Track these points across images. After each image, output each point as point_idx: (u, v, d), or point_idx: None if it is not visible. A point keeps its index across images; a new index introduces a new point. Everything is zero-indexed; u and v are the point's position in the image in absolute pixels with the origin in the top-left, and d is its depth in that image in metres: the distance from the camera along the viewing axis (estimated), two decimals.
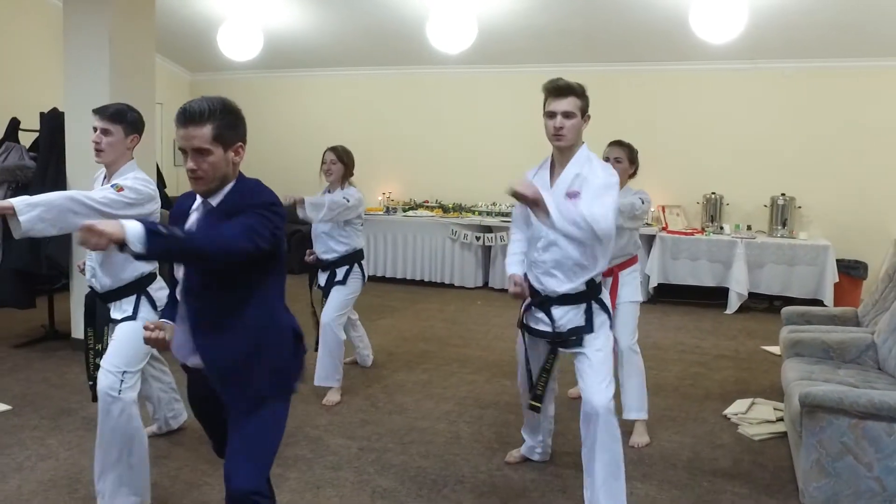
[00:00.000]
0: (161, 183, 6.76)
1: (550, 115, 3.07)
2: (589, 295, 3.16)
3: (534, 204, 2.75)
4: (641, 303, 4.29)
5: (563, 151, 3.13)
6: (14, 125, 6.14)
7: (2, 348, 5.69)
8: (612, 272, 4.06)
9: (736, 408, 4.58)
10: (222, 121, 2.29)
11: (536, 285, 3.21)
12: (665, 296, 7.95)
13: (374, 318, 6.93)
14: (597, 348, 3.13)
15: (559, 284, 3.14)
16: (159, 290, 3.37)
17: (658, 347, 6.03)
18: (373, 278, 8.86)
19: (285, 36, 8.86)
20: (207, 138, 2.26)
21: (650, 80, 8.50)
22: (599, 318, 3.17)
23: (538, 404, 3.35)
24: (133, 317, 3.26)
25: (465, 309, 7.56)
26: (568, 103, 3.04)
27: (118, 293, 3.31)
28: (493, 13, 7.72)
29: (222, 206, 2.34)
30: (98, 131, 3.22)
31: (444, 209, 9.04)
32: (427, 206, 9.10)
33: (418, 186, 9.39)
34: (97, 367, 3.23)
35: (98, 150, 3.20)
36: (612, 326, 3.31)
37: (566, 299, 3.15)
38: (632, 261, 4.21)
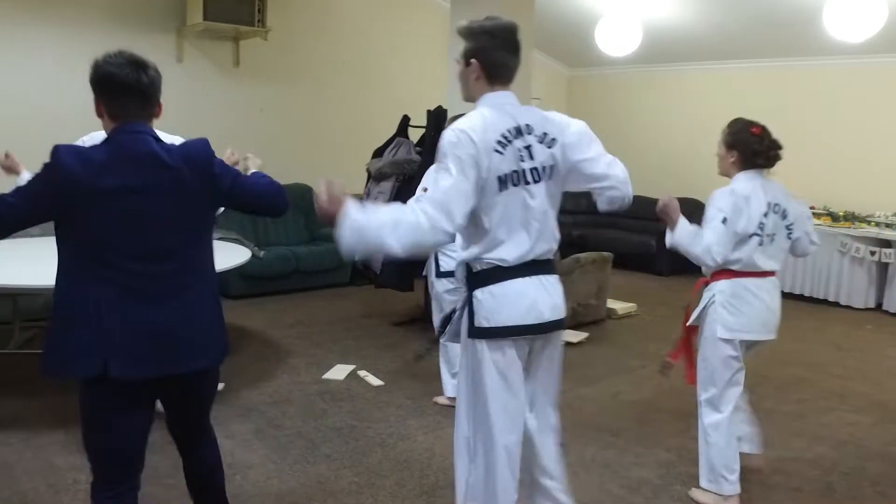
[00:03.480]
0: None
1: None
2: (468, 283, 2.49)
3: None
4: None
5: None
6: (405, 122, 6.67)
7: (383, 325, 6.26)
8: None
9: None
10: None
11: None
12: None
13: None
14: None
15: None
16: None
17: None
18: None
19: (664, 29, 8.51)
20: None
21: None
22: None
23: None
24: None
25: (851, 333, 6.61)
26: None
27: None
28: None
29: None
30: None
31: (834, 217, 8.00)
32: (813, 213, 8.13)
33: (802, 190, 8.31)
34: None
35: None
36: None
37: None
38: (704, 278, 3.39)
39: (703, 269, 3.34)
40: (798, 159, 8.48)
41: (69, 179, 2.10)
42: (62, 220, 2.17)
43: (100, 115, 2.28)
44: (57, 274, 2.23)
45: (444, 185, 2.26)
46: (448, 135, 2.32)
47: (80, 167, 2.11)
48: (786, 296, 7.63)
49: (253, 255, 6.77)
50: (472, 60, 2.41)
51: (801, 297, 7.79)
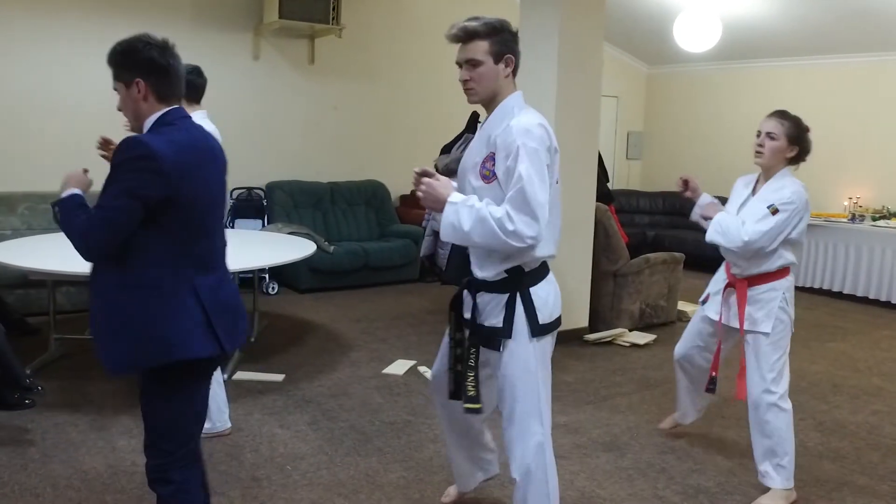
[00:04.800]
0: (603, 176, 6.75)
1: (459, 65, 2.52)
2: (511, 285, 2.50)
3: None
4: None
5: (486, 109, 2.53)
6: (474, 118, 6.62)
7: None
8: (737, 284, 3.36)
9: None
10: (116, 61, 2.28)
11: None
12: None
13: (823, 340, 6.10)
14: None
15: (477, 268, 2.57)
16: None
17: None
18: (826, 293, 7.86)
19: (746, 24, 8.23)
20: (113, 79, 2.30)
21: None
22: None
23: (475, 405, 2.59)
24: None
25: None
26: (472, 50, 2.44)
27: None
28: None
29: None
30: None
31: None
32: None
33: (894, 192, 8.04)
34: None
35: None
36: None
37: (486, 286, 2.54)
38: (767, 276, 3.30)
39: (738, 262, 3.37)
40: (887, 158, 8.09)
41: (168, 163, 2.12)
42: (160, 208, 2.15)
43: (144, 98, 2.23)
44: (137, 262, 2.20)
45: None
46: (540, 132, 2.38)
47: (174, 152, 2.15)
48: (864, 300, 7.39)
49: (320, 249, 6.88)
50: (509, 56, 2.45)
51: (886, 304, 7.42)
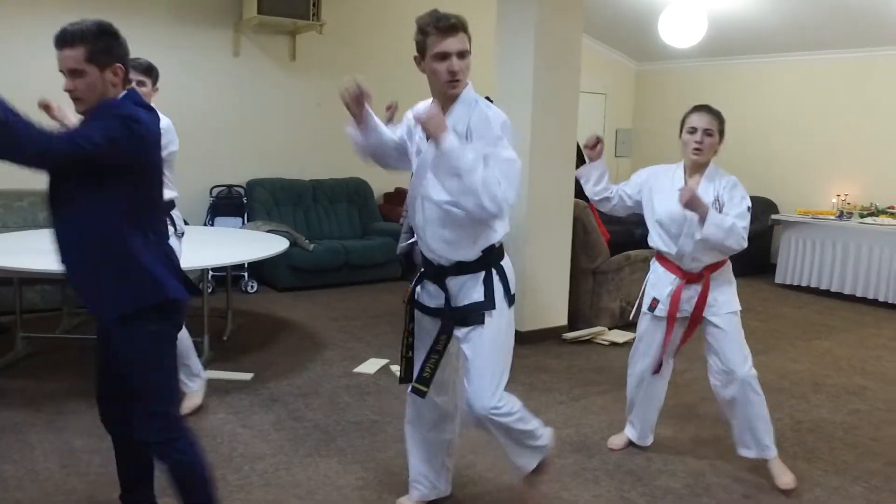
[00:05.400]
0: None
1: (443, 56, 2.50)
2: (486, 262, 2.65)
3: None
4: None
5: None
6: None
7: None
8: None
9: None
10: (95, 44, 2.26)
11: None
12: None
13: (809, 338, 6.02)
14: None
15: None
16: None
17: None
18: (814, 291, 7.78)
19: (732, 20, 8.13)
20: (80, 59, 2.25)
21: None
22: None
23: (423, 388, 2.71)
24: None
25: None
26: (463, 41, 2.51)
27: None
28: None
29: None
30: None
31: None
32: (891, 213, 7.64)
33: (882, 189, 7.95)
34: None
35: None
36: None
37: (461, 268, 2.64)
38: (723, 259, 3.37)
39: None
40: (882, 156, 7.99)
41: (149, 131, 2.31)
42: (130, 168, 2.27)
43: (117, 83, 2.34)
44: (106, 224, 2.29)
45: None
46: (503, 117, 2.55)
47: (151, 123, 2.34)
48: (851, 298, 7.31)
49: (298, 246, 6.79)
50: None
51: (874, 302, 7.33)
